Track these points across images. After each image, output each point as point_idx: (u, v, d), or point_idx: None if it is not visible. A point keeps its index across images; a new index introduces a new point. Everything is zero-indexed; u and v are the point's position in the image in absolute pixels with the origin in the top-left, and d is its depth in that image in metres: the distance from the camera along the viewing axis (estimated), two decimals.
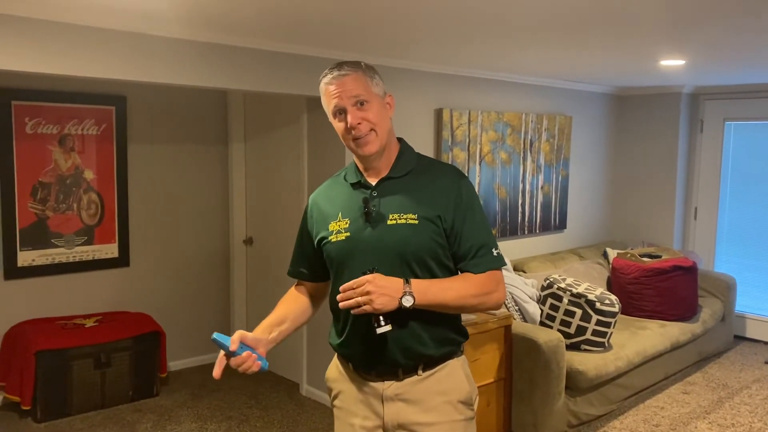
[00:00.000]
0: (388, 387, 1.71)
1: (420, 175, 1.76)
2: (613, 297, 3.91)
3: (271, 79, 3.51)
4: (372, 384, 1.73)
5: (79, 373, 3.86)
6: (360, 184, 1.76)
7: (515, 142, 4.86)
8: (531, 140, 4.99)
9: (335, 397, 1.85)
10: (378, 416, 1.71)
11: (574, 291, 3.88)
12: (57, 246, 4.16)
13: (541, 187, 5.15)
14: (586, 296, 3.84)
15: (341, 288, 1.59)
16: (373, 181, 1.75)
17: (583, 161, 5.58)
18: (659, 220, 5.72)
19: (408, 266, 1.66)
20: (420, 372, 1.71)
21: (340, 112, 1.67)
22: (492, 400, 3.53)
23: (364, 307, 1.56)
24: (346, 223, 1.72)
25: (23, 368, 3.75)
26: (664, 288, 4.59)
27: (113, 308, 4.41)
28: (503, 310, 3.73)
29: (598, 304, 3.82)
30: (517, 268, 4.60)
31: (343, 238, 1.71)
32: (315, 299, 1.91)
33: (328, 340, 1.87)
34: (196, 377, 4.51)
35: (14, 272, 4.01)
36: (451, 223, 1.69)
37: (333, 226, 1.74)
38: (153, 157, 4.51)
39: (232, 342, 1.58)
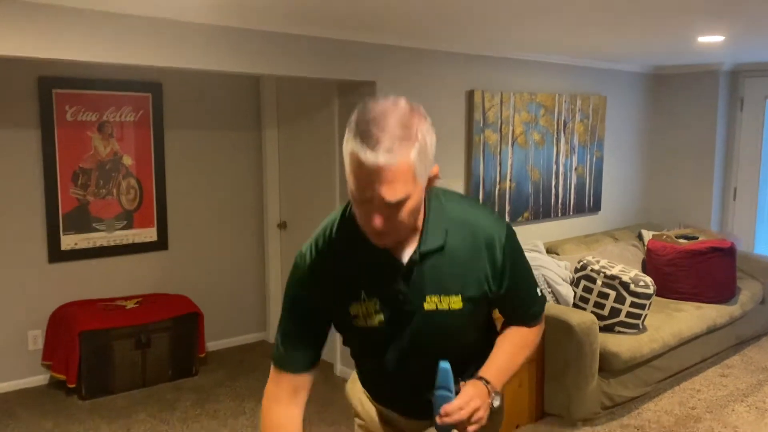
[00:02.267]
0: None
1: (456, 237, 1.39)
2: (648, 279, 3.87)
3: (303, 64, 3.54)
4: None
5: (121, 353, 3.99)
6: (382, 260, 1.38)
7: (548, 123, 4.81)
8: (565, 121, 4.93)
9: (357, 415, 1.72)
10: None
11: (608, 273, 3.85)
12: (98, 230, 4.28)
13: (575, 169, 5.10)
14: (620, 278, 3.81)
15: (444, 411, 1.30)
16: (399, 256, 1.38)
17: (618, 142, 5.50)
18: (697, 202, 5.61)
19: (453, 343, 1.44)
20: None
21: (365, 201, 1.24)
22: (524, 382, 3.54)
23: (474, 428, 1.33)
24: (376, 304, 1.39)
25: (68, 348, 3.89)
26: (700, 270, 4.52)
27: (153, 290, 4.53)
28: None
29: (632, 286, 3.78)
30: (551, 251, 4.58)
31: (376, 324, 1.40)
32: (304, 400, 1.48)
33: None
34: (233, 357, 4.61)
35: (58, 255, 4.15)
36: (497, 289, 1.44)
37: (356, 309, 1.40)
38: (189, 143, 4.59)
39: None
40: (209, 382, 4.21)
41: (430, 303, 1.38)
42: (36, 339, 4.14)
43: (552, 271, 3.98)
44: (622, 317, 3.80)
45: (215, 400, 3.95)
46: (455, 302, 1.39)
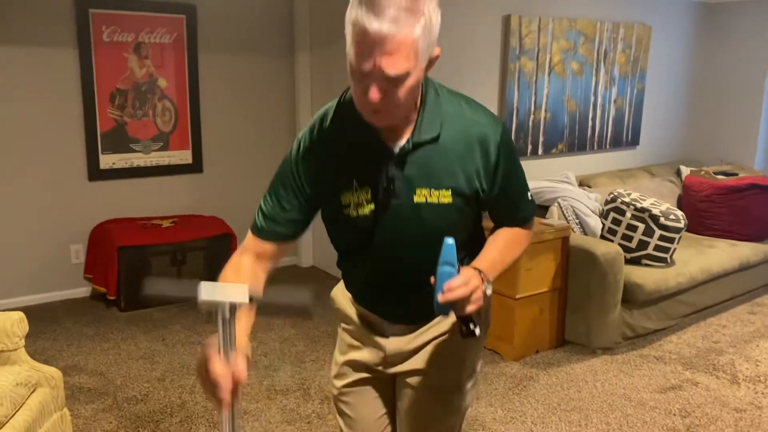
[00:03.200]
0: (393, 327, 1.59)
1: (450, 131, 1.38)
2: (679, 213, 3.81)
3: None
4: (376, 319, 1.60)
5: (158, 269, 4.16)
6: (374, 147, 1.36)
7: (588, 52, 4.67)
8: (605, 51, 4.77)
9: (342, 319, 1.71)
10: (380, 348, 1.61)
11: (638, 205, 3.79)
12: (135, 151, 4.40)
13: (614, 101, 4.96)
14: (650, 210, 3.76)
15: (447, 287, 1.26)
16: (392, 145, 1.36)
17: (661, 74, 5.30)
18: (742, 139, 5.43)
19: (440, 240, 1.32)
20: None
21: (364, 74, 1.20)
22: (545, 309, 3.58)
23: (473, 307, 1.30)
24: (367, 193, 1.38)
25: (108, 262, 4.07)
26: (737, 207, 4.41)
27: (188, 212, 4.66)
28: (561, 221, 3.71)
29: (662, 219, 3.73)
30: (583, 183, 4.52)
31: (368, 212, 1.39)
32: (273, 266, 1.49)
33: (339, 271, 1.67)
34: None
35: (97, 174, 4.29)
36: (489, 189, 1.43)
37: (348, 198, 1.40)
38: (222, 67, 4.62)
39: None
40: None
41: (420, 196, 1.37)
42: (78, 253, 4.34)
43: (581, 203, 3.94)
44: (649, 250, 3.77)
45: None
46: (445, 196, 1.38)
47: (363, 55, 1.17)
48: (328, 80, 4.68)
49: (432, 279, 1.29)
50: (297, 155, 1.45)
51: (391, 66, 1.16)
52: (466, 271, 1.31)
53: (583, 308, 3.59)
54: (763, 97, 5.26)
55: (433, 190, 1.37)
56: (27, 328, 2.42)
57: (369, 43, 1.15)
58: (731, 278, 4.22)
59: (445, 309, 1.30)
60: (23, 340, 2.41)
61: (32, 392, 2.31)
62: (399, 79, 1.19)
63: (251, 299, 1.06)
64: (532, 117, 4.46)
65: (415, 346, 1.57)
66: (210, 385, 1.07)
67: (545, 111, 4.52)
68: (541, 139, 4.55)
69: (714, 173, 4.69)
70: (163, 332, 3.84)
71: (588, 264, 3.51)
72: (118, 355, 3.54)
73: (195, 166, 4.65)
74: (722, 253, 4.15)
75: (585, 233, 3.91)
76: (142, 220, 4.40)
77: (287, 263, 5.09)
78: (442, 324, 1.56)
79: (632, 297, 3.61)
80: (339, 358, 1.69)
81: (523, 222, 1.57)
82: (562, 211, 3.86)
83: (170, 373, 3.33)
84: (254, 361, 3.43)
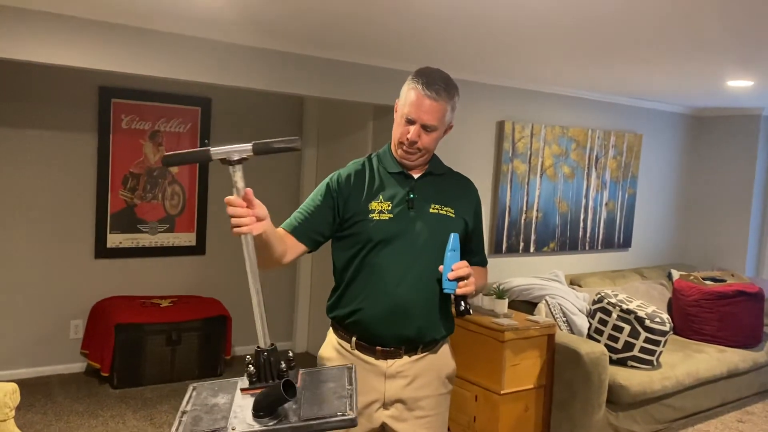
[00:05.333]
0: (391, 365, 1.87)
1: (450, 179, 2.03)
2: (665, 316, 3.89)
3: (342, 87, 3.77)
4: (374, 362, 1.87)
5: (153, 348, 4.24)
6: (403, 174, 1.93)
7: (580, 157, 4.90)
8: (597, 156, 5.00)
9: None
10: (378, 392, 1.87)
11: (624, 307, 3.89)
12: (142, 231, 4.58)
13: (606, 204, 5.15)
14: (635, 313, 3.85)
15: (456, 267, 1.75)
16: (415, 174, 1.94)
17: (652, 180, 5.52)
18: (732, 245, 5.56)
19: (443, 251, 1.81)
20: (419, 352, 1.89)
21: (410, 122, 1.85)
22: (531, 406, 3.60)
23: (470, 288, 1.77)
24: (389, 205, 1.87)
25: (104, 339, 4.17)
26: (725, 313, 4.49)
27: (187, 292, 4.79)
28: (547, 318, 3.80)
29: (647, 322, 3.81)
30: (574, 282, 4.63)
31: (386, 218, 1.86)
32: (288, 255, 1.88)
33: (329, 314, 1.99)
34: None
35: (103, 252, 4.46)
36: (472, 226, 2.00)
37: (374, 206, 1.87)
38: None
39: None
40: None
41: (434, 208, 1.91)
42: (77, 328, 4.44)
43: (568, 301, 4.04)
44: (635, 352, 3.83)
45: None
46: (451, 212, 1.93)
47: (414, 110, 1.83)
48: (332, 172, 4.90)
49: (440, 267, 1.77)
50: (339, 177, 1.95)
51: (429, 119, 1.84)
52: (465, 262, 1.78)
53: (567, 407, 3.61)
54: (752, 205, 5.43)
55: (443, 206, 1.92)
56: (19, 399, 2.50)
57: (419, 104, 1.83)
58: (720, 384, 4.23)
59: (452, 286, 1.75)
60: (13, 411, 2.49)
61: None
62: (430, 129, 1.85)
63: (253, 150, 1.39)
64: (524, 216, 4.63)
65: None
66: (232, 216, 1.42)
67: (537, 211, 4.70)
68: (532, 237, 4.70)
69: (703, 278, 4.79)
70: (151, 411, 3.87)
71: (572, 362, 3.57)
72: None
73: (198, 249, 4.82)
74: (710, 359, 4.19)
75: (572, 332, 3.98)
76: (142, 298, 4.52)
77: (280, 347, 5.14)
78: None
79: (617, 398, 3.64)
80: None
81: (483, 262, 2.07)
82: (550, 309, 3.95)
83: None
84: None
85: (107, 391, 4.14)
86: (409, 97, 1.85)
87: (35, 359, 4.33)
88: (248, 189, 1.46)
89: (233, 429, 1.09)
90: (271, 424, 1.08)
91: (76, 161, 4.34)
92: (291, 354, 1.30)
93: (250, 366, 1.24)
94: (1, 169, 4.11)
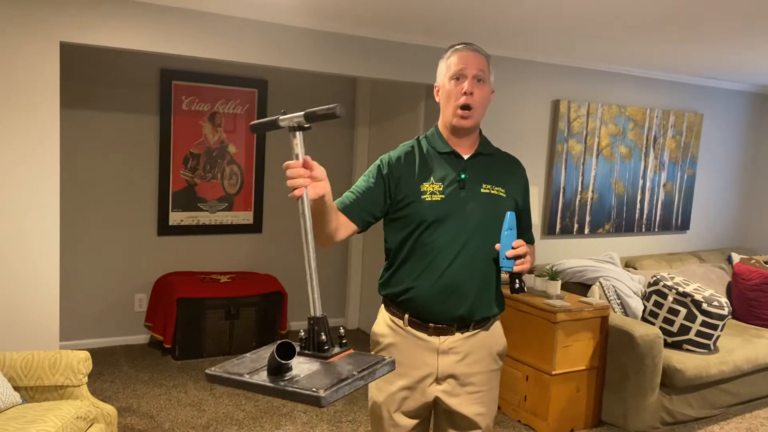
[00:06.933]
0: (444, 341, 1.91)
1: (499, 159, 2.02)
2: (724, 300, 3.81)
3: (395, 68, 3.79)
4: (427, 338, 1.92)
5: (212, 321, 4.40)
6: (453, 154, 1.93)
7: (637, 137, 4.80)
8: (655, 136, 4.89)
9: (383, 349, 1.99)
10: (431, 367, 1.91)
11: (680, 290, 3.82)
12: (202, 210, 4.75)
13: (663, 185, 5.03)
14: (692, 296, 3.78)
15: (515, 245, 1.79)
16: (464, 154, 1.94)
17: (713, 161, 5.35)
18: None
19: (494, 230, 1.84)
20: (471, 329, 1.92)
21: (460, 77, 1.87)
22: (582, 387, 3.60)
23: (526, 266, 1.82)
24: (440, 186, 1.88)
25: (167, 312, 4.35)
26: None
27: (245, 268, 4.94)
28: (601, 301, 3.77)
29: (704, 305, 3.74)
30: (629, 265, 4.57)
31: (438, 199, 1.87)
32: (341, 233, 1.91)
33: (381, 292, 2.02)
34: None
35: (165, 229, 4.64)
36: (521, 205, 2.02)
37: (426, 187, 1.88)
38: (287, 136, 4.95)
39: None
40: None
41: (485, 188, 1.92)
42: (141, 302, 4.65)
43: (623, 283, 3.99)
44: (691, 335, 3.77)
45: None
46: (502, 192, 1.93)
47: (461, 66, 1.87)
48: (384, 152, 4.95)
49: (497, 246, 1.81)
50: (390, 159, 1.97)
51: (478, 70, 1.87)
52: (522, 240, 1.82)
53: (620, 389, 3.60)
54: None
55: (493, 186, 1.93)
56: (91, 366, 2.67)
57: (465, 58, 1.88)
58: None
59: (510, 264, 1.79)
60: (86, 378, 2.65)
61: (89, 426, 2.53)
62: (481, 81, 1.88)
63: (304, 117, 1.48)
64: (579, 197, 4.58)
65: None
66: (289, 177, 1.47)
67: (592, 192, 4.64)
68: (587, 219, 4.65)
69: (765, 262, 4.65)
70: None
71: (626, 345, 3.54)
72: (169, 400, 3.75)
73: (255, 227, 4.96)
74: None
75: (626, 314, 3.94)
76: (202, 274, 4.70)
77: (332, 324, 5.26)
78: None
79: (671, 382, 3.60)
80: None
81: (531, 240, 2.08)
82: (604, 291, 3.92)
83: (215, 422, 3.51)
84: (292, 417, 3.58)
85: (169, 362, 4.34)
86: (451, 61, 1.89)
87: (103, 330, 4.57)
88: (307, 156, 1.51)
89: (247, 374, 1.24)
90: (259, 379, 1.22)
91: (140, 142, 4.51)
92: (342, 330, 1.36)
93: (302, 331, 1.35)
94: (72, 151, 4.32)
